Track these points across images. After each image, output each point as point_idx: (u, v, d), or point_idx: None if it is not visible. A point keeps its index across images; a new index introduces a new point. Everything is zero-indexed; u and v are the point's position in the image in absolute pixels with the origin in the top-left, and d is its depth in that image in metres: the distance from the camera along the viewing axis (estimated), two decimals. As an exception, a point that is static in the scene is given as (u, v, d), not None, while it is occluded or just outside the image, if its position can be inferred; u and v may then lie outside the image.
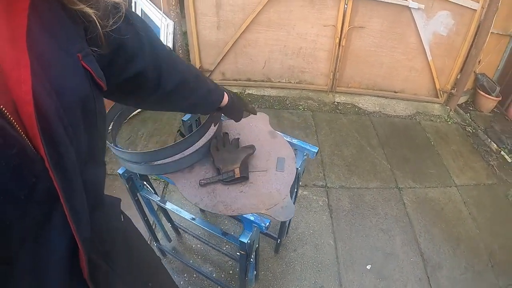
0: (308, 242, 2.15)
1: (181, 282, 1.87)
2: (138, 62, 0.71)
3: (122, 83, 0.71)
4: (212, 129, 1.27)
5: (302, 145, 1.38)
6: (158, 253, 1.96)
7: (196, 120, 1.69)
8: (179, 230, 2.06)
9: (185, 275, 1.90)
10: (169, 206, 1.43)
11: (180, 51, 3.14)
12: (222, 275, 1.93)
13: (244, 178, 1.15)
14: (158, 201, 1.42)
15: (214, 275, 1.92)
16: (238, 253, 1.31)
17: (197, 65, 3.31)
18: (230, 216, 1.12)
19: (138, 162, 1.14)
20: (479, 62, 3.37)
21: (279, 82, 3.54)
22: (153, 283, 0.94)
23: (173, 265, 1.94)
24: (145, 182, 1.46)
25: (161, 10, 2.91)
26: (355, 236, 2.24)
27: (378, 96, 3.65)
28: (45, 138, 0.42)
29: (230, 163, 1.18)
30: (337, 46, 3.24)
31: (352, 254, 2.13)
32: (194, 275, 1.91)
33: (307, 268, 2.02)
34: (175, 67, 0.84)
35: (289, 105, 3.37)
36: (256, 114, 1.31)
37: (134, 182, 1.41)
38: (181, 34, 3.08)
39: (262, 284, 1.90)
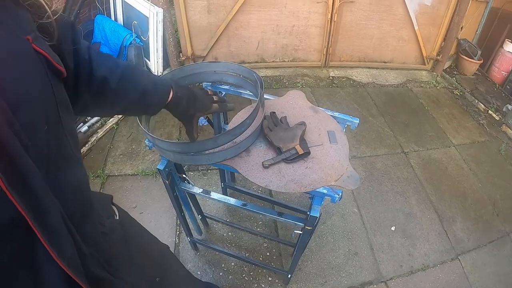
0: (334, 213, 2.23)
1: (220, 273, 1.89)
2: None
3: None
4: (261, 111, 1.28)
5: (344, 117, 1.41)
6: (190, 248, 1.96)
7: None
8: (207, 221, 2.06)
9: (222, 265, 1.92)
10: (215, 196, 1.40)
11: (171, 39, 3.05)
12: (260, 259, 1.97)
13: (306, 154, 1.17)
14: (201, 193, 1.39)
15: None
16: (299, 232, 1.35)
17: (189, 52, 3.23)
18: (304, 192, 1.13)
19: (194, 153, 1.11)
20: (461, 28, 3.53)
21: (273, 61, 3.55)
22: (160, 275, 0.91)
23: (207, 258, 1.95)
24: (184, 175, 1.43)
25: (148, -1, 2.80)
26: (375, 201, 2.34)
27: (369, 68, 3.75)
28: None
29: (289, 141, 1.20)
30: (329, 22, 3.27)
31: (376, 219, 2.24)
32: (232, 263, 1.93)
33: (339, 238, 2.10)
34: (93, 73, 0.70)
35: (287, 83, 3.40)
36: (232, 109, 1.19)
37: (173, 177, 1.37)
38: (171, 21, 2.99)
39: (302, 260, 1.96)
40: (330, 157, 1.20)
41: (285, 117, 1.33)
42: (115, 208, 0.78)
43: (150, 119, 1.23)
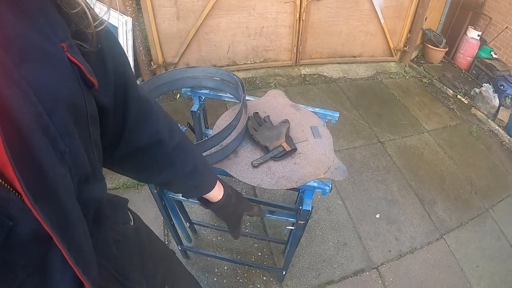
0: (320, 207, 2.26)
1: (215, 279, 1.87)
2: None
3: None
4: (245, 112, 1.29)
5: (325, 112, 1.45)
6: (182, 257, 1.93)
7: (203, 108, 1.68)
8: (195, 228, 2.04)
9: (216, 270, 1.90)
10: None
11: (141, 48, 3.00)
12: (252, 259, 1.97)
13: (293, 150, 1.19)
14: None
15: (243, 263, 1.95)
16: (291, 227, 1.37)
17: (160, 60, 3.19)
18: (292, 189, 1.14)
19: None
20: (425, 19, 3.69)
21: (244, 64, 3.56)
22: (169, 283, 0.89)
23: (200, 265, 1.92)
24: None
25: (117, 9, 2.74)
26: (358, 191, 2.40)
27: (339, 63, 3.85)
28: (19, 164, 0.31)
29: (275, 139, 1.21)
30: (298, 21, 3.33)
31: (361, 208, 2.30)
32: (225, 267, 1.92)
33: (327, 231, 2.14)
34: (149, 121, 0.63)
35: (260, 84, 3.43)
36: (264, 216, 1.12)
37: (161, 186, 1.35)
38: (140, 30, 2.94)
39: (294, 256, 1.94)
40: (316, 152, 1.23)
41: (268, 116, 1.34)
42: (130, 213, 0.74)
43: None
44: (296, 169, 1.15)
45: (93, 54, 0.49)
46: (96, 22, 0.46)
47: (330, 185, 1.14)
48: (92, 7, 0.47)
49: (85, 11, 0.43)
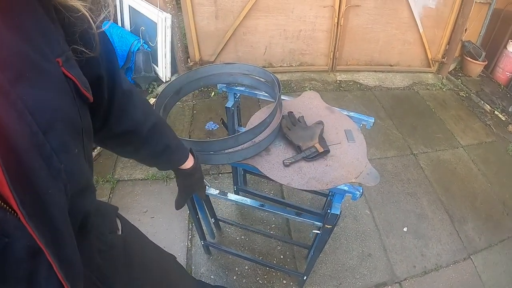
0: (347, 215, 2.23)
1: (234, 277, 1.88)
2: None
3: None
4: (279, 110, 1.30)
5: (360, 117, 1.43)
6: (203, 252, 1.95)
7: (237, 106, 1.70)
8: (220, 225, 2.06)
9: (236, 269, 1.91)
10: (232, 197, 1.38)
11: (179, 45, 3.09)
12: (274, 261, 1.96)
13: (326, 152, 1.19)
14: (218, 194, 1.36)
15: (265, 264, 1.95)
16: (317, 232, 1.36)
17: (197, 57, 3.26)
18: (320, 194, 1.10)
19: (214, 152, 1.12)
20: (465, 30, 3.56)
21: (280, 66, 3.58)
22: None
23: (221, 262, 1.94)
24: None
25: (157, 6, 2.83)
26: (387, 202, 2.35)
27: (375, 71, 3.78)
28: (15, 184, 0.32)
29: (308, 139, 1.21)
30: (336, 26, 3.31)
31: (388, 220, 2.24)
32: (246, 267, 1.92)
33: (352, 239, 2.10)
34: (128, 112, 0.68)
35: (295, 87, 3.43)
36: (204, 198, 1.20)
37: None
38: (179, 27, 3.02)
39: (316, 262, 1.94)
40: (349, 155, 1.21)
41: (303, 116, 1.35)
42: (119, 222, 0.75)
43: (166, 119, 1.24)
44: (328, 171, 1.15)
45: (93, 58, 0.50)
46: (97, 23, 0.47)
47: (361, 190, 1.12)
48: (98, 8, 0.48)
49: (86, 15, 0.44)
